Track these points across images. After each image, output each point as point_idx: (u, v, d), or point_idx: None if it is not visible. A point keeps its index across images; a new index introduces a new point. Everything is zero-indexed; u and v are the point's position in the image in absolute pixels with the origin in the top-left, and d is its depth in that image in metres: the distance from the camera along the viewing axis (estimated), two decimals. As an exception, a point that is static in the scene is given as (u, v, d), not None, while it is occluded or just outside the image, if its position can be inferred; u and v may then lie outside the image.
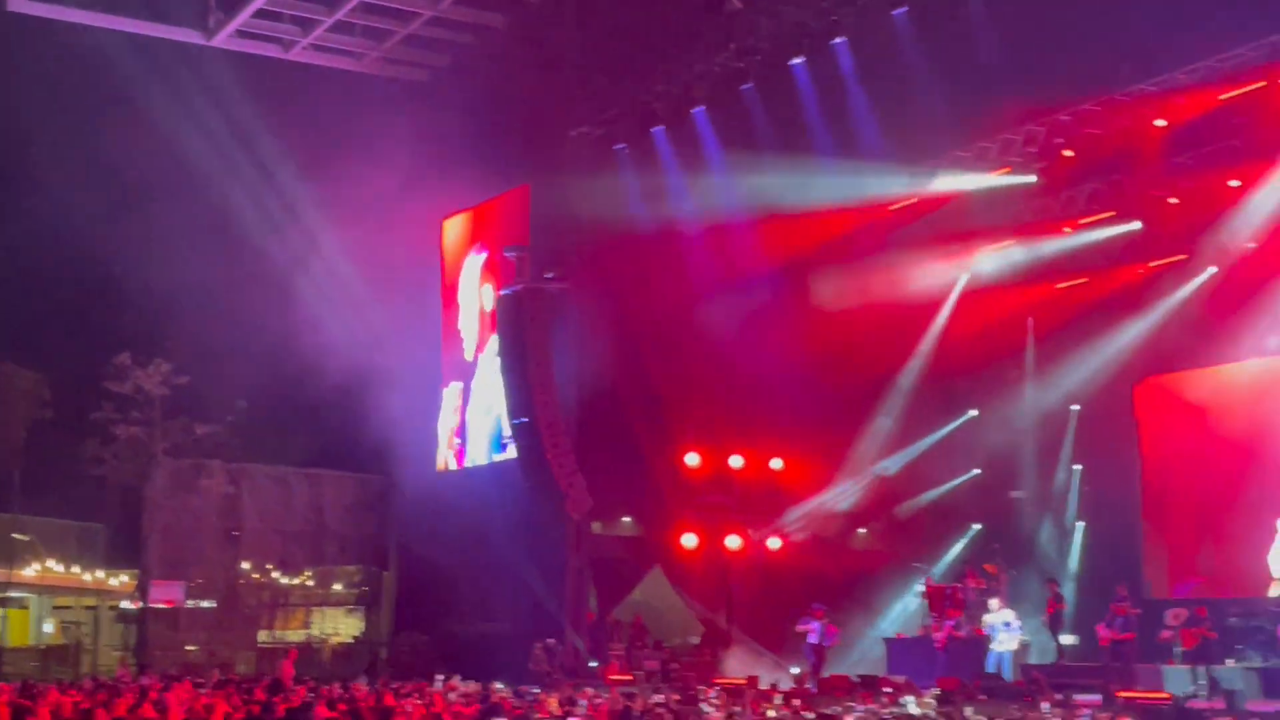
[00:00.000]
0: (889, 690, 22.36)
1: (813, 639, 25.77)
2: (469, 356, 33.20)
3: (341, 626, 37.37)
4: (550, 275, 29.33)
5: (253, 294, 31.45)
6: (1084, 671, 24.27)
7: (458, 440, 33.43)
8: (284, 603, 37.00)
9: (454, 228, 34.31)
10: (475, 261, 33.25)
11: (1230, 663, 23.30)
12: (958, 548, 30.46)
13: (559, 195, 30.03)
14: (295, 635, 36.64)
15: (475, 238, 33.50)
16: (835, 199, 27.40)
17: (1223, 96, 23.43)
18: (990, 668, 24.67)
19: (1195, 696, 21.06)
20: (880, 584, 30.47)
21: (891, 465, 31.05)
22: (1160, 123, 24.38)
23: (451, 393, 33.68)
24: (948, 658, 25.26)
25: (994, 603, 25.90)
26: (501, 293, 29.64)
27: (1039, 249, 28.64)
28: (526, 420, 28.68)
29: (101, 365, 35.32)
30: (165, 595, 33.72)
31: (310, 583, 37.60)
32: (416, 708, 16.56)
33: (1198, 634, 22.71)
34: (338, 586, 37.97)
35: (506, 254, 30.12)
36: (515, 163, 31.08)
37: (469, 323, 33.38)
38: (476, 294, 32.99)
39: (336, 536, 36.38)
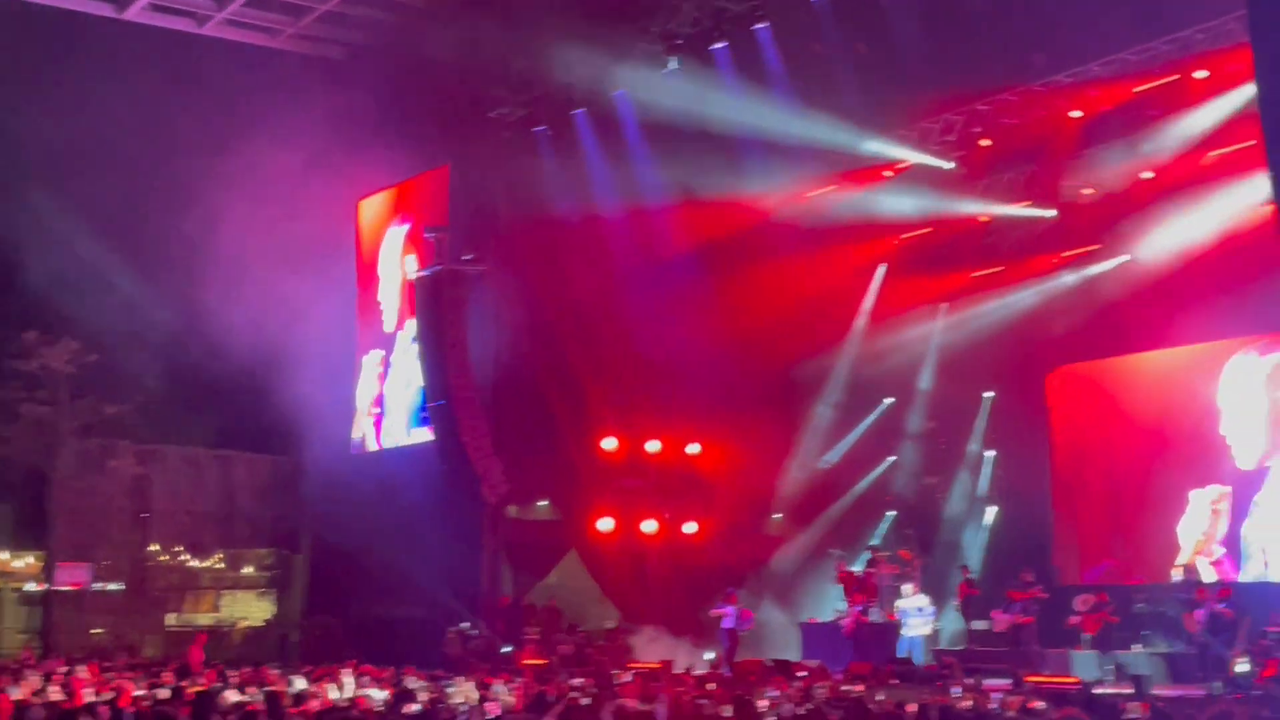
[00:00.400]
0: (803, 675, 22.47)
1: (727, 624, 25.87)
2: (389, 328, 32.84)
3: (252, 610, 36.94)
4: (468, 257, 29.14)
5: (163, 272, 30.94)
6: (994, 656, 24.57)
7: (376, 410, 33.10)
8: (193, 586, 36.48)
9: (372, 206, 33.94)
10: (397, 233, 32.87)
11: (1137, 648, 23.69)
12: (872, 533, 30.67)
13: (478, 177, 29.83)
14: (204, 618, 36.16)
15: (396, 211, 33.15)
16: (756, 185, 27.49)
17: (1137, 89, 23.73)
18: (902, 652, 24.89)
19: (1103, 681, 21.40)
20: (795, 569, 30.64)
21: (833, 456, 31.28)
22: (1075, 114, 24.66)
23: (371, 360, 33.30)
24: (860, 643, 25.46)
25: (907, 588, 26.12)
26: (419, 274, 29.39)
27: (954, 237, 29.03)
28: (442, 403, 28.49)
29: (6, 343, 34.56)
30: (71, 577, 33.15)
31: (220, 565, 37.11)
32: (329, 692, 16.41)
33: (1099, 619, 23.08)
34: (248, 569, 37.53)
35: (426, 235, 29.89)
36: (434, 143, 30.78)
37: (389, 295, 32.98)
38: (399, 265, 32.56)
39: (248, 518, 35.96)
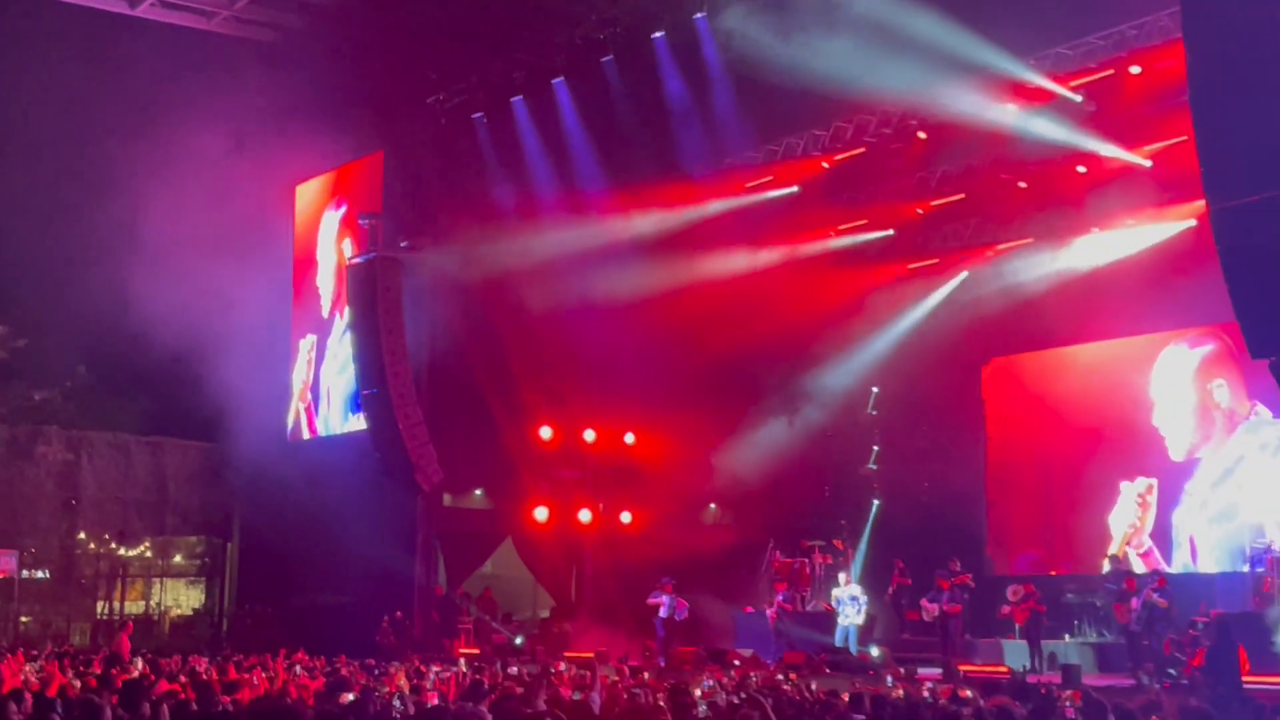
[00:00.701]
0: (737, 664, 22.57)
1: (663, 612, 25.91)
2: (326, 313, 32.57)
3: (182, 598, 36.61)
4: (404, 244, 28.94)
5: (94, 257, 30.49)
6: (927, 646, 24.79)
7: (310, 395, 32.85)
8: (122, 574, 36.10)
9: (307, 192, 33.64)
10: (333, 217, 32.60)
11: (1067, 638, 23.97)
12: (807, 524, 30.78)
13: (414, 163, 29.64)
14: (134, 607, 35.80)
15: (332, 195, 32.87)
16: (695, 174, 27.51)
17: (1073, 84, 23.91)
18: (838, 641, 25.04)
19: (1032, 670, 21.62)
20: (730, 559, 30.71)
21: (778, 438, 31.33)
22: (1012, 107, 24.78)
23: (306, 345, 33.03)
24: (781, 632, 25.59)
25: (841, 577, 26.30)
26: (352, 261, 29.14)
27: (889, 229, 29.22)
28: (377, 391, 28.27)
29: (-65, 327, 34.03)
30: (-2, 565, 32.71)
31: (150, 553, 36.73)
32: (261, 680, 16.24)
33: (1027, 607, 23.32)
34: (178, 558, 37.19)
35: (360, 221, 29.65)
36: (370, 129, 30.54)
37: (326, 279, 32.72)
38: (334, 249, 32.30)
39: (178, 506, 35.58)
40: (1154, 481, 26.11)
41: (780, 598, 26.18)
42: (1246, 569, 22.41)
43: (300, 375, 33.08)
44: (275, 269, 32.56)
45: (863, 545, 29.57)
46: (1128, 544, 26.19)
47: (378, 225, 29.03)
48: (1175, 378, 26.09)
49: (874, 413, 30.98)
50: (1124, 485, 26.47)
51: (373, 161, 30.96)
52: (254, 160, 29.95)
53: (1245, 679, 17.40)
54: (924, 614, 24.21)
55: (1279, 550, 21.25)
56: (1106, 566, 24.85)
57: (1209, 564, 24.94)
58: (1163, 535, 25.86)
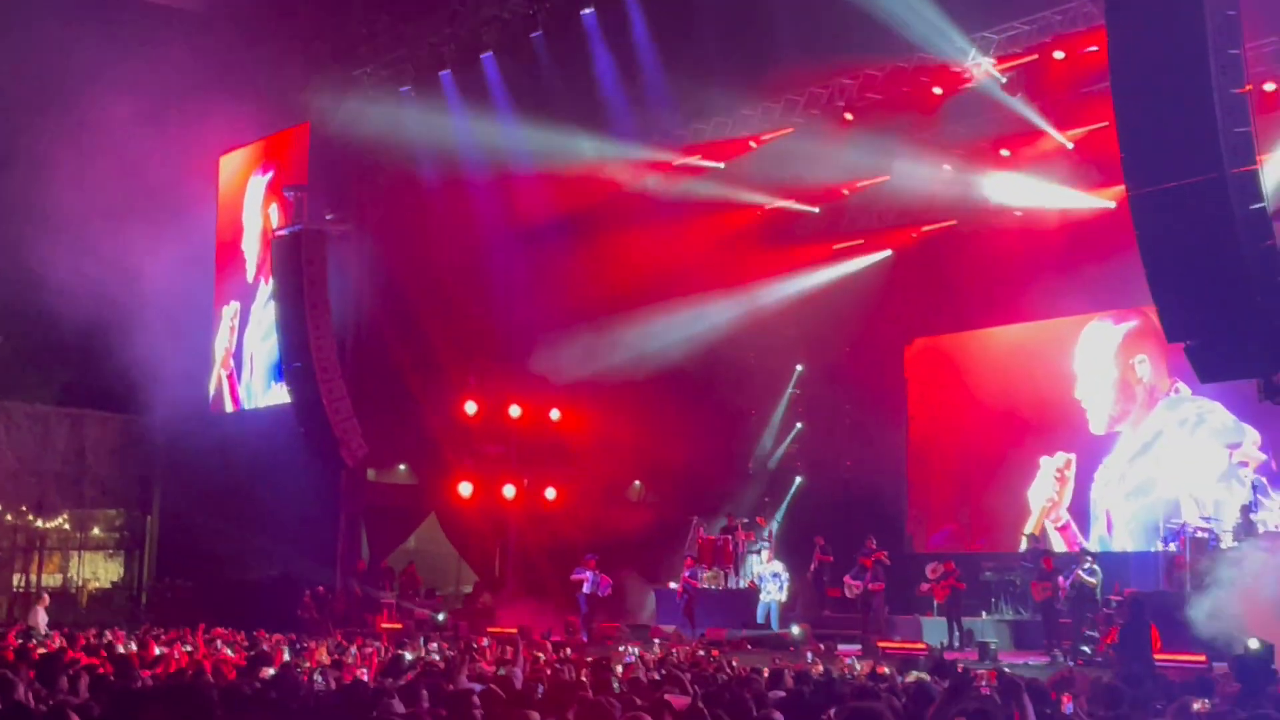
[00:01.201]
0: (659, 640, 22.69)
1: (586, 588, 25.97)
2: (251, 278, 32.22)
3: (100, 571, 36.18)
4: (330, 217, 28.71)
5: (9, 224, 29.95)
6: (847, 623, 25.06)
7: (232, 363, 32.54)
8: (39, 546, 35.60)
9: (233, 161, 33.24)
10: (259, 182, 32.22)
11: (985, 615, 24.32)
12: (731, 501, 30.95)
13: (341, 136, 29.33)
14: (51, 580, 35.35)
15: (259, 161, 32.49)
16: (622, 153, 27.51)
17: (999, 68, 24.12)
18: (759, 618, 25.23)
19: (950, 647, 21.93)
20: (654, 535, 30.83)
21: None
22: (938, 90, 25.00)
23: (229, 312, 32.69)
24: (689, 607, 25.76)
25: (763, 554, 26.49)
26: (277, 233, 28.86)
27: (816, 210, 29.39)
28: (301, 365, 28.05)
29: None
30: (-89, 538, 32.20)
31: (67, 526, 36.25)
32: (182, 655, 16.13)
33: (947, 585, 23.63)
34: (97, 530, 36.72)
35: (285, 193, 29.35)
36: (296, 100, 30.21)
37: (251, 243, 32.34)
38: (260, 213, 31.93)
39: (97, 478, 35.11)
40: (1072, 456, 26.59)
41: (687, 574, 26.31)
42: (1160, 547, 22.86)
43: (223, 343, 32.73)
44: (197, 239, 32.11)
45: (777, 520, 29.74)
46: (1045, 518, 26.67)
47: (303, 198, 28.77)
48: (1099, 352, 26.55)
49: (797, 391, 31.22)
50: (1043, 460, 26.93)
51: (299, 133, 30.63)
52: (177, 130, 29.52)
53: (1157, 656, 17.73)
54: (847, 591, 24.44)
55: (1192, 529, 21.64)
56: (1024, 544, 25.24)
57: (1124, 538, 25.43)
58: (1081, 510, 26.34)
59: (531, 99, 26.69)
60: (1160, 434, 25.38)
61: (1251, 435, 23.88)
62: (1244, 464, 23.83)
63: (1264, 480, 22.52)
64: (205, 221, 32.84)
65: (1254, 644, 16.66)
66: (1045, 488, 26.89)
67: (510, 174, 28.03)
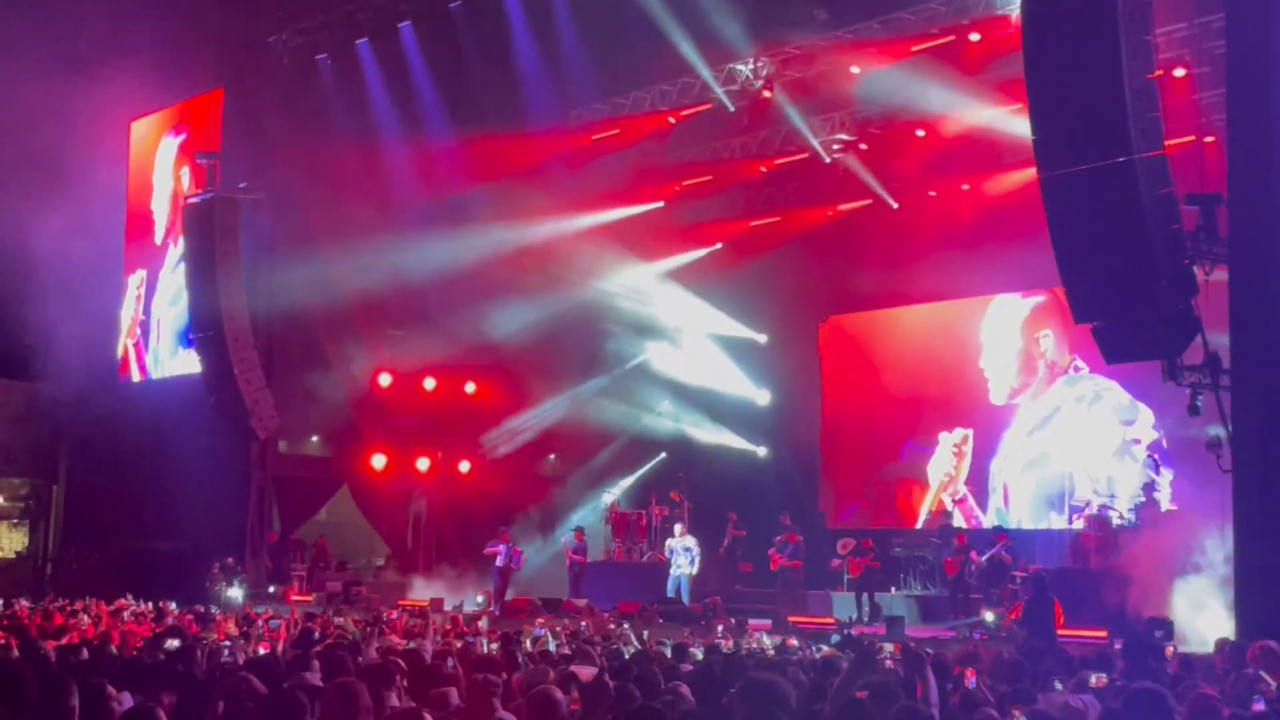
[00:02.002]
0: (571, 613, 22.73)
1: (499, 561, 25.96)
2: (159, 240, 31.74)
3: (4, 541, 35.58)
4: (244, 185, 28.32)
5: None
6: (758, 597, 25.27)
7: (139, 331, 32.07)
8: (-59, 516, 35.00)
9: (144, 126, 32.68)
10: (171, 143, 31.72)
11: (894, 591, 24.63)
12: (645, 475, 31.10)
13: (256, 103, 28.94)
14: (-47, 550, 34.77)
15: (170, 124, 31.98)
16: (539, 124, 27.43)
17: (914, 48, 24.30)
18: (670, 592, 25.36)
19: (860, 622, 22.18)
20: (568, 509, 30.90)
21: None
22: (855, 70, 25.15)
23: (135, 280, 32.20)
24: (575, 578, 25.91)
25: (676, 529, 26.61)
26: (189, 200, 28.43)
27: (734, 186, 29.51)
28: (212, 335, 27.67)
29: None
30: None
31: (-30, 495, 35.65)
32: (88, 625, 15.96)
33: (863, 563, 23.89)
34: (1, 500, 36.12)
35: (197, 160, 28.93)
36: (210, 66, 29.77)
37: (161, 204, 31.83)
38: (171, 175, 31.44)
39: (1, 447, 34.52)
40: (970, 432, 27.13)
41: (572, 549, 26.49)
42: (1058, 521, 23.30)
43: (129, 311, 32.27)
44: (106, 205, 31.54)
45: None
46: (943, 492, 27.14)
47: (216, 165, 28.35)
48: (1005, 324, 27.14)
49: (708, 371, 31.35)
50: (942, 436, 27.45)
51: (212, 99, 30.18)
52: (87, 95, 28.95)
53: (1060, 632, 18.04)
54: (772, 564, 24.60)
55: (1096, 507, 22.03)
56: (923, 516, 25.59)
57: (1021, 510, 25.99)
58: (979, 485, 26.80)
59: (449, 69, 26.51)
60: (1058, 409, 25.93)
61: (1146, 414, 24.39)
62: (1136, 441, 24.43)
63: (1155, 458, 23.08)
64: (115, 188, 32.26)
65: (1148, 620, 17.04)
66: (943, 463, 27.44)
67: (427, 144, 27.82)
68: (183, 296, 28.97)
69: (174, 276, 30.25)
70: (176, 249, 30.02)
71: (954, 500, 27.04)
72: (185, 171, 30.60)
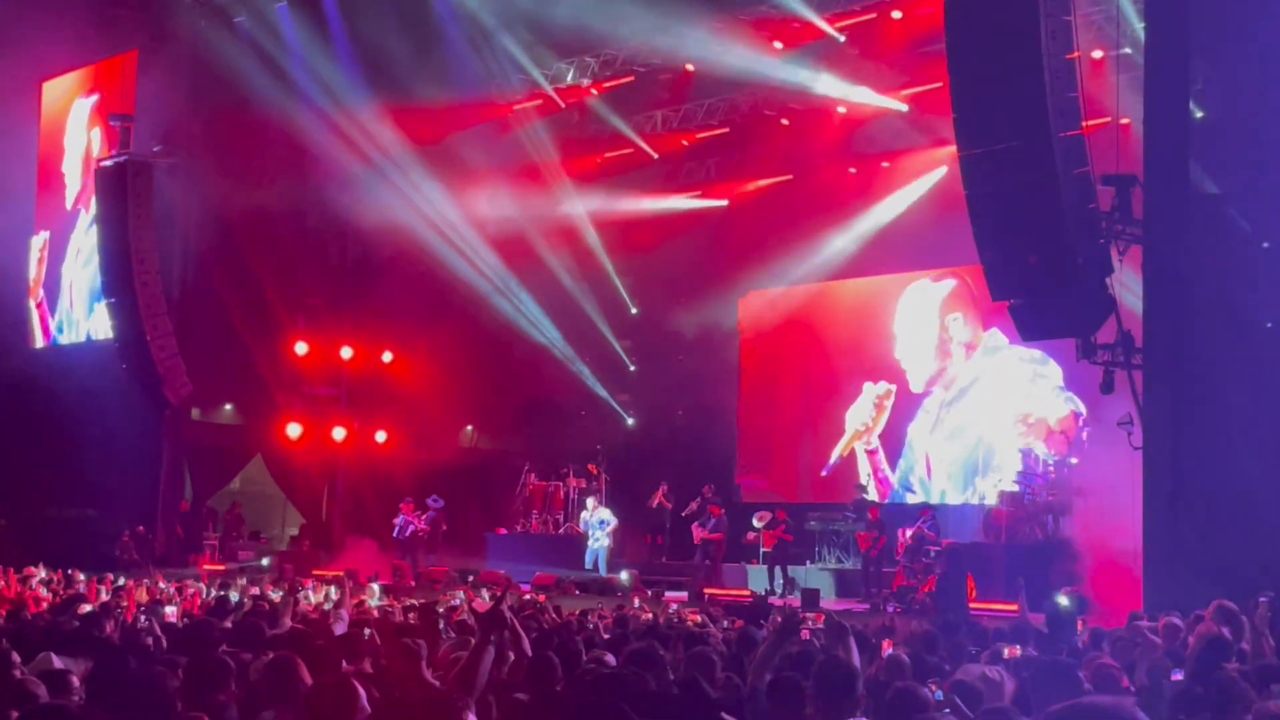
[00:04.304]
0: (490, 585, 22.69)
1: (411, 530, 25.88)
2: (70, 204, 31.20)
3: (-92, 508, 34.86)
4: (158, 148, 27.88)
5: None
6: (675, 569, 25.41)
7: (42, 293, 31.55)
8: None
9: (57, 87, 32.07)
10: (84, 105, 31.18)
11: (809, 564, 24.84)
12: (563, 446, 31.03)
13: (171, 65, 28.46)
14: None
15: (84, 86, 31.40)
16: (460, 94, 27.26)
17: (837, 25, 24.38)
18: (588, 564, 25.42)
19: (774, 594, 22.35)
20: (485, 480, 30.84)
21: None
22: (778, 45, 25.18)
23: (38, 242, 31.67)
24: (548, 552, 25.91)
25: (590, 501, 26.69)
26: (101, 163, 27.94)
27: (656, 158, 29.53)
28: (123, 299, 27.23)
29: None
30: None
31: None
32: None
33: (775, 535, 24.07)
34: (-95, 467, 35.34)
35: (111, 122, 28.43)
36: (125, 25, 29.23)
37: (73, 166, 31.31)
38: (84, 135, 30.91)
39: (-96, 413, 33.76)
40: (894, 387, 27.30)
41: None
42: (979, 500, 23.59)
43: (31, 273, 31.76)
44: (13, 167, 30.93)
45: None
46: (858, 440, 27.39)
47: (130, 128, 27.90)
48: (917, 313, 27.28)
49: (627, 343, 31.36)
50: (866, 386, 27.61)
51: (127, 60, 29.66)
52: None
53: (972, 605, 18.31)
54: (694, 538, 24.66)
55: (1010, 484, 22.32)
56: (833, 461, 25.78)
57: (942, 479, 26.25)
58: (894, 444, 27.04)
59: (369, 34, 26.22)
60: (977, 380, 26.19)
61: (1055, 378, 24.68)
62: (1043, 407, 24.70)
63: (1065, 433, 23.35)
64: (24, 149, 31.65)
65: (1063, 600, 17.30)
66: (863, 412, 27.66)
67: (345, 110, 27.51)
68: (95, 258, 28.49)
69: (86, 238, 29.79)
70: (88, 213, 29.54)
71: (866, 450, 27.27)
72: (97, 133, 30.10)
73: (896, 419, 27.19)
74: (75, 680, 6.73)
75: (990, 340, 25.89)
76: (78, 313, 30.63)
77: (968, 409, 26.17)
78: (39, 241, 31.66)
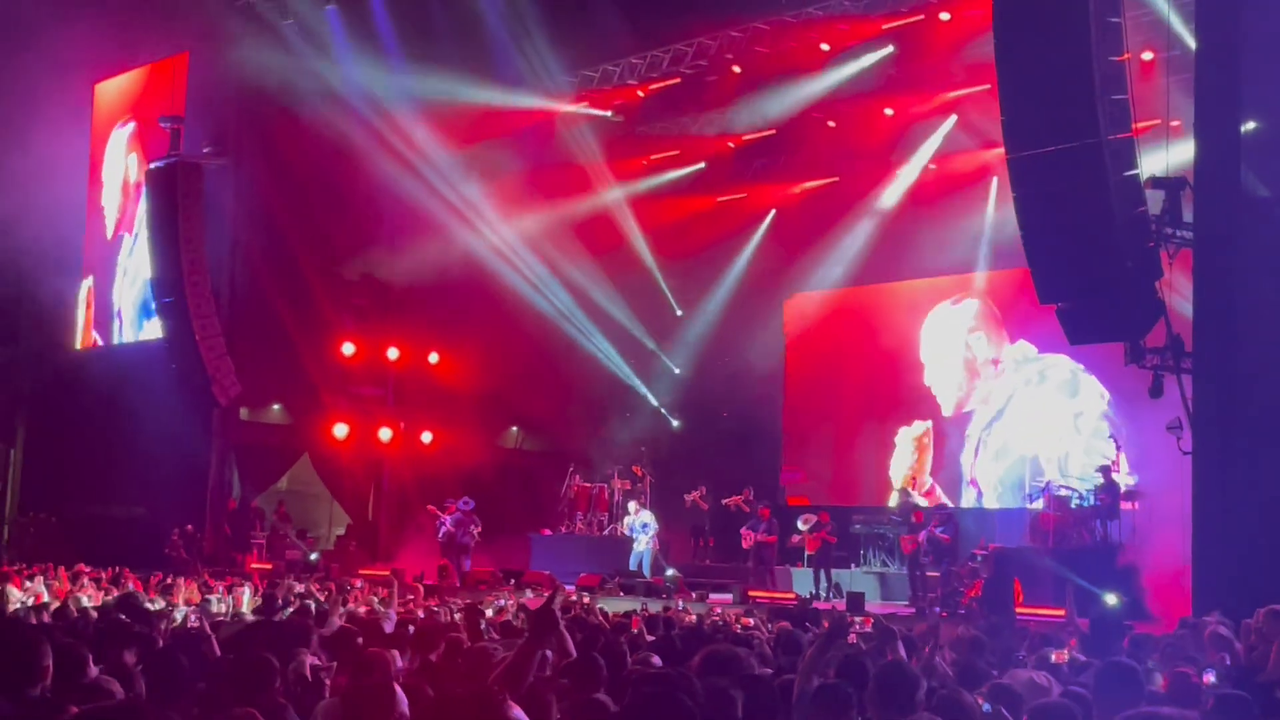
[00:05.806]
0: (535, 585, 22.78)
1: (450, 529, 25.89)
2: (110, 234, 31.59)
3: (-41, 505, 35.31)
4: (208, 149, 28.11)
5: None
6: (721, 572, 25.39)
7: (95, 307, 31.99)
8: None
9: (107, 93, 32.40)
10: (121, 134, 31.57)
11: (854, 567, 24.74)
12: (609, 449, 31.05)
13: (222, 67, 28.67)
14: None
15: (125, 109, 31.74)
16: (507, 98, 27.36)
17: (885, 26, 24.33)
18: (632, 566, 25.43)
19: (819, 598, 22.30)
20: (530, 482, 30.90)
21: None
22: (825, 46, 25.15)
23: (86, 284, 32.17)
24: (593, 554, 25.90)
25: (632, 505, 26.69)
26: (153, 165, 28.20)
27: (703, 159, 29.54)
28: (174, 300, 27.50)
29: None
30: None
31: (-75, 460, 35.28)
32: (57, 590, 15.89)
33: (819, 538, 23.99)
34: (-44, 464, 35.81)
35: (161, 124, 28.67)
36: (175, 29, 29.47)
37: (111, 198, 31.72)
38: (122, 164, 31.29)
39: (-44, 411, 34.21)
40: (929, 424, 27.20)
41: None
42: (1028, 505, 23.44)
43: (88, 281, 32.17)
44: (71, 168, 31.29)
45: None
46: (910, 487, 27.14)
47: (180, 129, 28.14)
48: (942, 337, 27.32)
49: (671, 345, 31.35)
50: (901, 431, 27.55)
51: (177, 63, 29.92)
52: (53, 57, 28.58)
53: (1018, 609, 18.19)
54: (743, 541, 24.62)
55: (1057, 487, 22.15)
56: (895, 499, 25.68)
57: (993, 501, 26.05)
58: (950, 474, 26.90)
59: (418, 38, 26.35)
60: (1011, 397, 26.11)
61: (1092, 387, 24.54)
62: (1080, 414, 24.61)
63: (1114, 437, 23.17)
64: (79, 153, 31.99)
65: (1110, 599, 17.19)
66: (904, 459, 27.53)
67: (393, 114, 27.65)
68: (142, 275, 28.79)
69: (131, 260, 30.17)
70: (131, 238, 29.97)
71: (922, 493, 27.04)
72: (134, 159, 30.45)
73: (943, 453, 27.06)
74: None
75: (1016, 353, 25.82)
76: (128, 329, 31.05)
77: (1008, 426, 26.07)
78: (85, 286, 32.11)
